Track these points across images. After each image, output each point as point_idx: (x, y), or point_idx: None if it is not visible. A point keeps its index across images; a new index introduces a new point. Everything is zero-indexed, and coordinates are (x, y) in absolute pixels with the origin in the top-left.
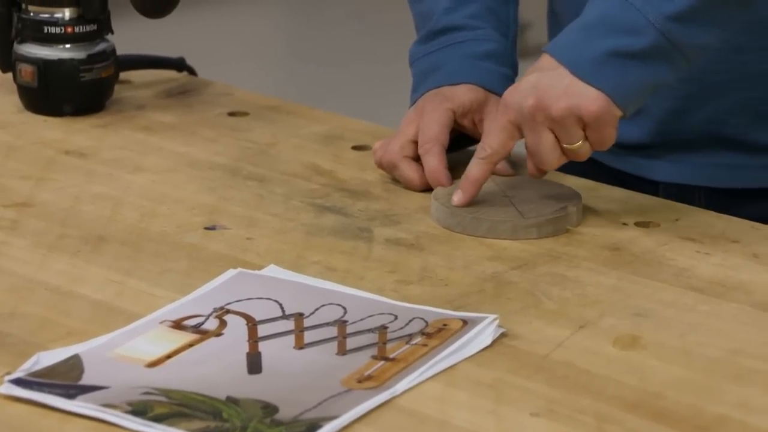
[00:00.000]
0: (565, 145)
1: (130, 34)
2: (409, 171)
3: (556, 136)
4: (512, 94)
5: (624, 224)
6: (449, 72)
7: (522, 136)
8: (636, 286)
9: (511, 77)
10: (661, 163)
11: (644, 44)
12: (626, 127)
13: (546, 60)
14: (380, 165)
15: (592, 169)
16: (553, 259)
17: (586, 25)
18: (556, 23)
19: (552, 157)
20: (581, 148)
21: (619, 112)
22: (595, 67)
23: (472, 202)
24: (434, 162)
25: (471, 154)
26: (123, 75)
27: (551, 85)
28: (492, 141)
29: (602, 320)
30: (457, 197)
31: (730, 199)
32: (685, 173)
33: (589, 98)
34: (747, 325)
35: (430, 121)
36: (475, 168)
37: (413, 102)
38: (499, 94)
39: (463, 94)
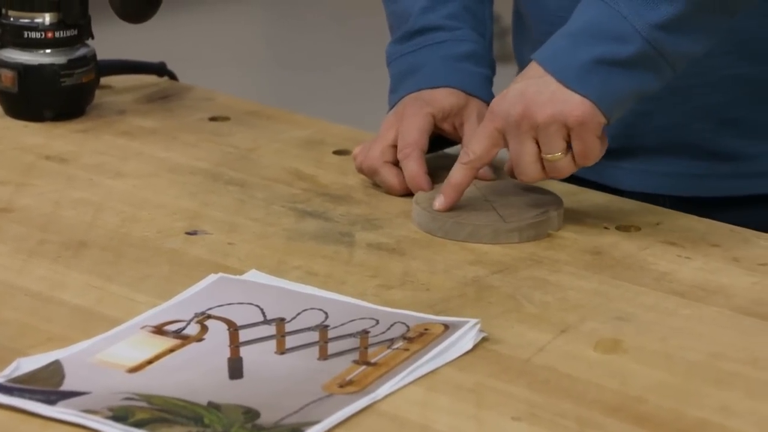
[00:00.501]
0: (546, 156)
1: (111, 39)
2: (389, 176)
3: (539, 148)
4: (500, 102)
5: (605, 228)
6: (428, 74)
7: (507, 144)
8: (617, 290)
9: (490, 78)
10: (625, 171)
11: (630, 52)
12: None
13: (533, 68)
14: (361, 170)
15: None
16: (535, 263)
17: (573, 32)
18: (520, 24)
19: (532, 169)
20: (561, 160)
21: (603, 119)
22: (581, 74)
23: (454, 207)
24: (414, 167)
25: (451, 159)
26: (103, 80)
27: (538, 91)
28: (476, 147)
29: (583, 324)
30: (439, 202)
31: (697, 208)
32: (650, 182)
33: (573, 104)
34: (727, 328)
35: (410, 126)
36: (457, 173)
37: (392, 103)
38: (480, 97)
39: (444, 98)
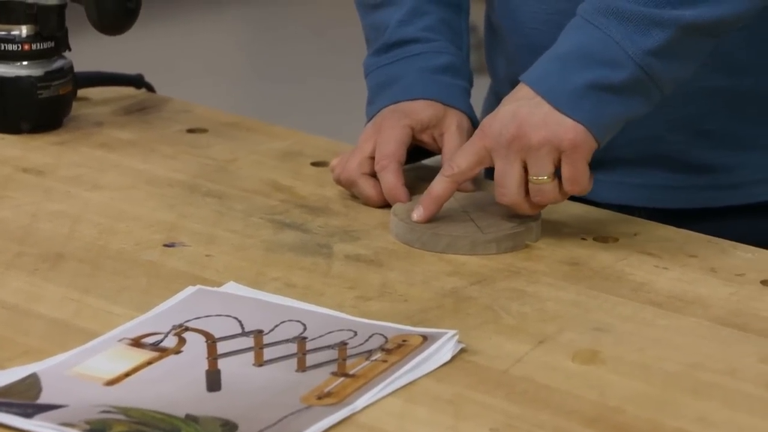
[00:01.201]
0: (533, 178)
1: (88, 50)
2: (367, 188)
3: (526, 171)
4: (491, 121)
5: (583, 239)
6: (406, 86)
7: (492, 163)
8: (595, 300)
9: (467, 90)
10: (600, 184)
11: (623, 78)
12: None
13: (523, 89)
14: (338, 181)
15: None
16: (513, 274)
17: (562, 55)
18: (493, 36)
19: (516, 192)
20: (547, 184)
21: (595, 144)
22: (573, 99)
23: (432, 218)
24: (391, 179)
25: (429, 170)
26: (81, 92)
27: (531, 113)
28: (461, 162)
29: (561, 335)
30: (418, 213)
31: (673, 220)
32: (626, 194)
33: (567, 127)
34: (705, 339)
35: (388, 138)
36: (438, 185)
37: (370, 115)
38: (458, 108)
39: (422, 110)
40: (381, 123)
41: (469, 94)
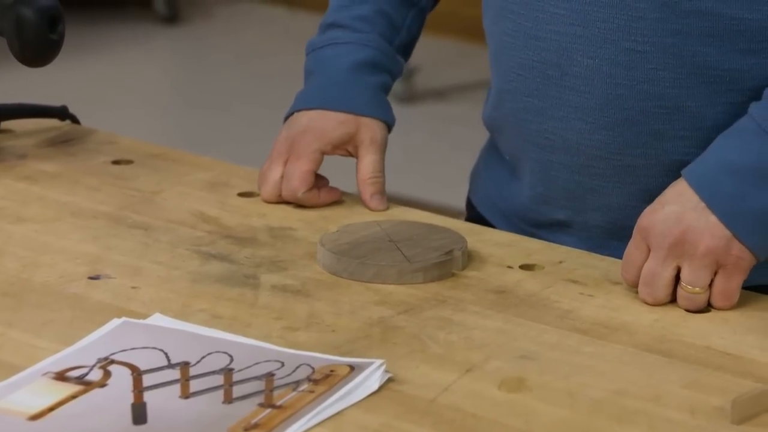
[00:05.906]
0: (686, 286)
1: (11, 82)
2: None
3: (679, 276)
4: (653, 221)
5: (509, 267)
6: (323, 88)
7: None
8: (521, 328)
9: (386, 85)
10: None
11: None
12: (536, 203)
13: (686, 191)
14: (275, 200)
15: None
16: (439, 303)
17: (740, 170)
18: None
19: (663, 294)
20: (700, 294)
21: (755, 262)
22: (750, 225)
23: (359, 248)
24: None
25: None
26: (4, 124)
27: (697, 219)
28: (633, 271)
29: (488, 363)
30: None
31: None
32: None
33: (735, 245)
34: (630, 365)
35: (296, 169)
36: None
37: (292, 109)
38: (371, 116)
39: (333, 129)
40: (293, 142)
41: (387, 89)
